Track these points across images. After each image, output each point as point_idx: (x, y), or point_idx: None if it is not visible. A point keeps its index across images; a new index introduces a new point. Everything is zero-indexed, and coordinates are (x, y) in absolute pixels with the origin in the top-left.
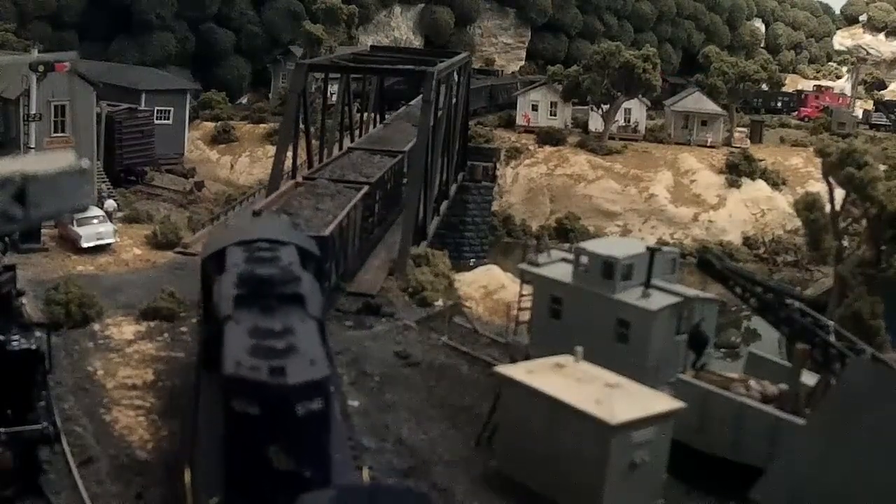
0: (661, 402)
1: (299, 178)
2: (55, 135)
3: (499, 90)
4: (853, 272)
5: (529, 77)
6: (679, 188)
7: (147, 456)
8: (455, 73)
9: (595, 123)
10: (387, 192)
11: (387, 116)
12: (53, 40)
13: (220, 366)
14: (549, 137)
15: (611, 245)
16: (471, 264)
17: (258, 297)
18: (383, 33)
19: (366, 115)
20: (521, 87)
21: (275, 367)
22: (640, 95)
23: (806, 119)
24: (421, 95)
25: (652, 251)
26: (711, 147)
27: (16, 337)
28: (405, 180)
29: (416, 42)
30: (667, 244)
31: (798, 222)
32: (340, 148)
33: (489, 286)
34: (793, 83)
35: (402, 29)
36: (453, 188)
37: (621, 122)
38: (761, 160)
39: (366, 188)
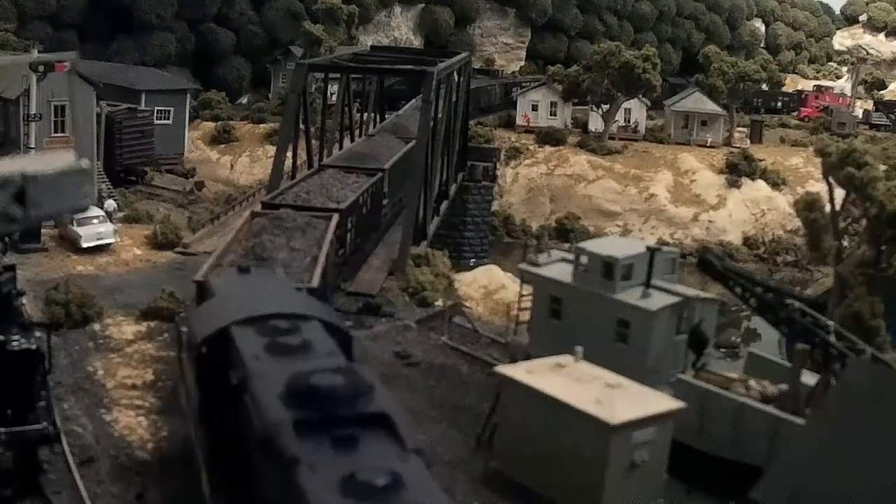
0: (661, 402)
1: (257, 207)
2: (55, 135)
3: (481, 94)
4: (853, 272)
5: (517, 79)
6: (679, 188)
7: (147, 456)
8: (455, 73)
9: (595, 123)
10: (362, 217)
11: (387, 116)
12: (53, 40)
13: None
14: (549, 137)
15: (611, 245)
16: (471, 264)
17: (327, 422)
18: (383, 33)
19: (366, 115)
20: (502, 89)
21: None
22: (640, 95)
23: (806, 119)
24: (418, 96)
25: (652, 251)
26: (711, 147)
27: (16, 337)
28: (385, 201)
29: (416, 42)
30: (667, 244)
31: (798, 222)
32: (340, 147)
33: (489, 286)
34: (793, 83)
35: (402, 29)
36: (453, 188)
37: (621, 122)
38: (761, 160)
39: (335, 217)
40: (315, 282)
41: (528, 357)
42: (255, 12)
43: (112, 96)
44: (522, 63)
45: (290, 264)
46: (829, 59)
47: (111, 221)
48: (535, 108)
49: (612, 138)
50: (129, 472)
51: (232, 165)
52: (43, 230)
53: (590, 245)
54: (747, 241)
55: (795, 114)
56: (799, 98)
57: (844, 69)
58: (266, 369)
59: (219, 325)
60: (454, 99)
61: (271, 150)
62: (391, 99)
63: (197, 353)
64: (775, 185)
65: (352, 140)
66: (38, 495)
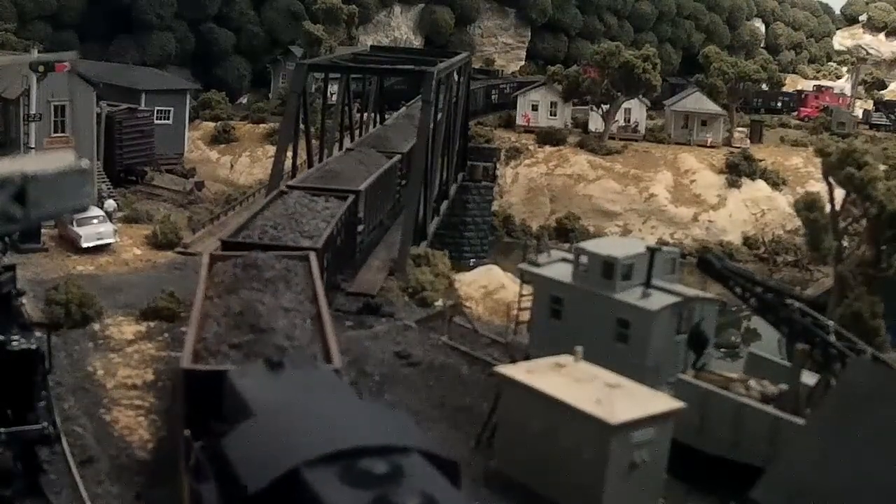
0: (661, 402)
1: (216, 248)
2: (55, 135)
3: None
4: (853, 272)
5: (498, 81)
6: (679, 188)
7: (147, 456)
8: (455, 74)
9: (595, 123)
10: (337, 250)
11: (387, 116)
12: (53, 40)
13: None
14: (549, 137)
15: (611, 245)
16: (471, 264)
17: None
18: (383, 33)
19: (366, 115)
20: (483, 92)
21: None
22: (640, 95)
23: (806, 119)
24: (415, 100)
25: (652, 251)
26: (711, 147)
27: (16, 337)
28: (361, 227)
29: (416, 42)
30: (667, 244)
31: (798, 222)
32: (341, 148)
33: (489, 286)
34: (793, 83)
35: (402, 29)
36: (453, 188)
37: (621, 122)
38: (761, 160)
39: (313, 256)
40: (336, 361)
41: (528, 357)
42: (255, 12)
43: (112, 96)
44: (522, 63)
45: (293, 333)
46: (829, 59)
47: (111, 221)
48: (534, 108)
49: (612, 138)
50: (129, 472)
51: (232, 165)
52: (43, 230)
53: (590, 245)
54: (747, 241)
55: (795, 114)
56: (799, 98)
57: (844, 69)
58: None
59: (283, 468)
60: (454, 99)
61: (271, 150)
62: (391, 99)
63: (247, 499)
64: (775, 185)
65: (352, 140)
66: (38, 495)
